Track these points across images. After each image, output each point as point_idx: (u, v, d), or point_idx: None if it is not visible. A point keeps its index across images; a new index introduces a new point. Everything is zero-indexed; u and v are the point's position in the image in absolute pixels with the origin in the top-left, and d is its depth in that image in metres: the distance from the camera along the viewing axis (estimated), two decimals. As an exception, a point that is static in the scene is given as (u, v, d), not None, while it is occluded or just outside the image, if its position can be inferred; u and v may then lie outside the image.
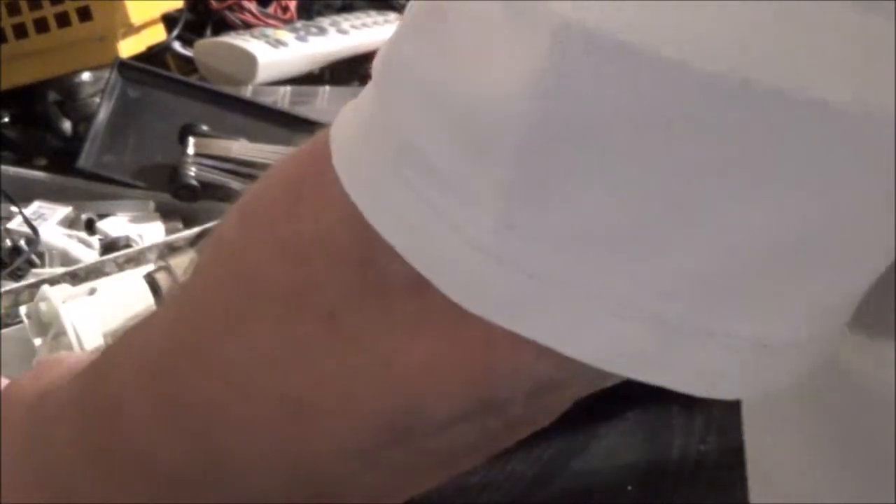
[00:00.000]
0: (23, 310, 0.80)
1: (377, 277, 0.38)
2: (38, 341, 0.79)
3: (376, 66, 0.39)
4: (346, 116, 0.40)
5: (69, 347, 0.75)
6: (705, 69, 0.32)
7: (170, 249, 0.87)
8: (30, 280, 0.88)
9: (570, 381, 0.39)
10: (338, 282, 0.39)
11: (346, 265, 0.39)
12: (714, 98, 0.32)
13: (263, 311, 0.41)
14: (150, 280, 0.79)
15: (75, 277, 0.88)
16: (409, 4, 0.38)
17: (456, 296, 0.36)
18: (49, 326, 0.78)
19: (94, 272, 0.88)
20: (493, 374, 0.38)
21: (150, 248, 0.90)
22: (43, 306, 0.78)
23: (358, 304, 0.39)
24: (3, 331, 0.83)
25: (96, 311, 0.78)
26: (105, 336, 0.77)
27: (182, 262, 0.80)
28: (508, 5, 0.34)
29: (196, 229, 0.91)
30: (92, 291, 0.80)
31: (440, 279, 0.36)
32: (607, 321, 0.35)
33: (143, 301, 0.79)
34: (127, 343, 0.48)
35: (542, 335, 0.35)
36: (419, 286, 0.36)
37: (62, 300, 0.78)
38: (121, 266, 0.89)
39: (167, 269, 0.79)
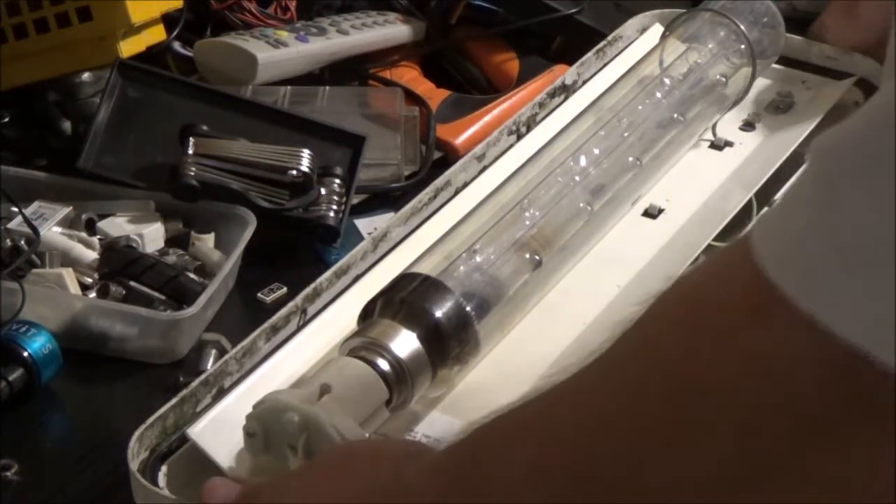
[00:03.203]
0: (246, 428, 0.73)
1: (867, 393, 0.37)
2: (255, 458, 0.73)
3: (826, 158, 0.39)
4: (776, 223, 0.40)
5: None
6: None
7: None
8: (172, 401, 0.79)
9: None
10: (820, 398, 0.38)
11: (828, 381, 0.38)
12: None
13: (721, 423, 0.40)
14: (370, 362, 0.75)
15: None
16: None
17: None
18: (285, 439, 0.71)
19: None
20: None
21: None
22: (294, 418, 0.70)
23: (843, 420, 0.38)
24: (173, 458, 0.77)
25: (343, 409, 0.72)
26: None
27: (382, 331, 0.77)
28: None
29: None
30: (324, 391, 0.73)
31: None
32: None
33: (373, 388, 0.75)
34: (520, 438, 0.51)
35: None
36: None
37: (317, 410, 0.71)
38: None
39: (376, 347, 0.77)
